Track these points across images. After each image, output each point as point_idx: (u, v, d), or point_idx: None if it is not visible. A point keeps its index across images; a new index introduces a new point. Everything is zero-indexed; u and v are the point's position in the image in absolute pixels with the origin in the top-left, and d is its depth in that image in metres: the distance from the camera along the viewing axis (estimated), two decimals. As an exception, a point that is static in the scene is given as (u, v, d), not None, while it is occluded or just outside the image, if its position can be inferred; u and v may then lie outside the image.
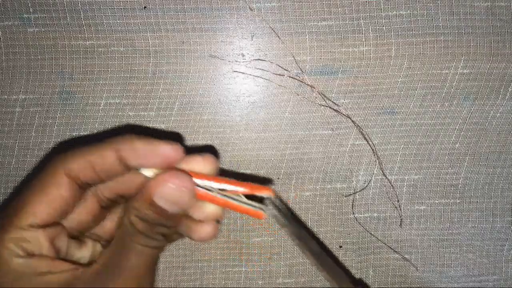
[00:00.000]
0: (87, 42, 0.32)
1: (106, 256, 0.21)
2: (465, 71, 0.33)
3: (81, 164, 0.21)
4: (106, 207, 0.24)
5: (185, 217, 0.22)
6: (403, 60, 0.32)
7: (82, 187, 0.22)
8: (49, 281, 0.20)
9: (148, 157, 0.21)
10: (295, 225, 0.22)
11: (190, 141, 0.33)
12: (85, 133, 0.33)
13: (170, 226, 0.21)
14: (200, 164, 0.22)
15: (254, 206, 0.21)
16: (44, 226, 0.21)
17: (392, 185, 0.34)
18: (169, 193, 0.21)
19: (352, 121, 0.33)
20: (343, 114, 0.33)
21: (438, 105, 0.33)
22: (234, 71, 0.32)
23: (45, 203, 0.21)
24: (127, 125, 0.33)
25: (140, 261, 0.21)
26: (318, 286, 0.34)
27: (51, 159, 0.21)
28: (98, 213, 0.24)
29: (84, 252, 0.23)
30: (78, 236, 0.24)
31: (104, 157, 0.21)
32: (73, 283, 0.20)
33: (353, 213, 0.34)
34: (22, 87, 0.32)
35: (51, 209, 0.21)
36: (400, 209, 0.34)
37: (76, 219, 0.23)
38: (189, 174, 0.21)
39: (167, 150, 0.21)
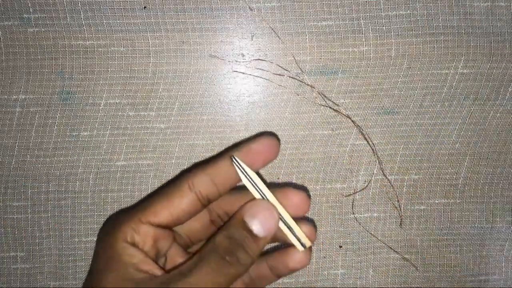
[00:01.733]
0: (87, 42, 0.32)
1: (182, 266, 0.23)
2: (465, 71, 0.33)
3: (201, 178, 0.24)
4: (215, 222, 0.27)
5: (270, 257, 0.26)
6: (403, 60, 0.32)
7: (203, 203, 0.24)
8: (132, 274, 0.22)
9: (253, 155, 0.24)
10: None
11: (190, 141, 0.33)
12: (85, 133, 0.33)
13: (251, 253, 0.23)
14: (296, 201, 0.25)
15: (300, 241, 0.25)
16: (157, 226, 0.24)
17: (392, 185, 0.34)
18: (259, 215, 0.23)
19: (352, 121, 0.33)
20: (343, 114, 0.33)
21: (438, 105, 0.33)
22: (234, 71, 0.32)
23: (166, 209, 0.24)
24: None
25: (203, 283, 0.22)
26: (318, 286, 0.34)
27: (180, 175, 0.25)
28: (208, 226, 0.27)
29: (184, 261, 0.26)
30: (188, 245, 0.27)
31: (220, 167, 0.24)
32: (146, 282, 0.22)
33: (353, 213, 0.34)
34: (22, 87, 0.32)
35: (170, 216, 0.24)
36: (400, 209, 0.34)
37: (189, 226, 0.26)
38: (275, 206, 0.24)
39: (266, 144, 0.24)
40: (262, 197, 0.24)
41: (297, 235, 0.25)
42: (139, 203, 0.25)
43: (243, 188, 0.25)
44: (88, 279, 0.24)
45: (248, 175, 0.24)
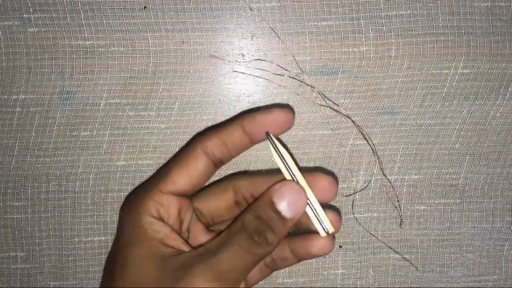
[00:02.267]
0: (87, 42, 0.32)
1: (209, 243, 0.23)
2: (465, 71, 0.33)
3: (214, 141, 0.24)
4: (239, 204, 0.27)
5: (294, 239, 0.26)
6: (403, 60, 0.32)
7: (216, 164, 0.25)
8: (159, 249, 0.22)
9: (267, 125, 0.24)
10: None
11: (190, 141, 0.33)
12: (85, 133, 0.33)
13: (279, 234, 0.23)
14: (324, 186, 0.25)
15: (323, 228, 0.25)
16: (179, 195, 0.24)
17: (392, 185, 0.34)
18: (288, 196, 0.23)
19: (352, 121, 0.33)
20: (343, 114, 0.33)
21: (438, 105, 0.33)
22: (234, 71, 0.32)
23: (185, 174, 0.24)
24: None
25: (231, 261, 0.22)
26: (318, 286, 0.34)
27: (193, 139, 0.25)
28: (232, 207, 0.27)
29: (207, 239, 0.26)
30: (210, 225, 0.27)
31: (232, 133, 0.24)
32: (174, 258, 0.22)
33: (353, 213, 0.34)
34: (22, 87, 0.32)
35: (188, 179, 0.24)
36: (400, 209, 0.34)
37: (214, 205, 0.27)
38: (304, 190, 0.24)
39: (280, 116, 0.24)
40: (292, 178, 0.24)
41: (322, 220, 0.24)
42: (155, 175, 0.25)
43: (271, 171, 0.25)
44: (111, 256, 0.24)
45: (281, 154, 0.24)
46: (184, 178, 0.24)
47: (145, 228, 0.23)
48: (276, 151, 0.24)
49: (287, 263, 0.27)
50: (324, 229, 0.24)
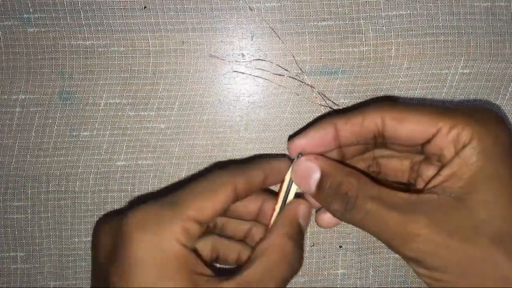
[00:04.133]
0: (87, 42, 0.32)
1: (248, 274, 0.23)
2: (465, 71, 0.33)
3: (243, 184, 0.25)
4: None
5: None
6: (403, 60, 0.32)
7: (235, 201, 0.25)
8: (195, 280, 0.22)
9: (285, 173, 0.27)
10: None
11: (190, 141, 0.33)
12: (85, 133, 0.33)
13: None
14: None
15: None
16: (203, 223, 0.23)
17: (392, 185, 0.34)
18: (306, 215, 0.26)
19: (352, 121, 0.33)
20: (343, 114, 0.33)
21: (438, 105, 0.33)
22: (234, 71, 0.32)
23: (211, 205, 0.23)
24: (127, 125, 0.33)
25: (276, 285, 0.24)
26: (318, 286, 0.34)
27: (221, 173, 0.25)
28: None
29: (232, 254, 0.28)
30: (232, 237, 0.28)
31: (256, 177, 0.26)
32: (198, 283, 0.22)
33: (353, 213, 0.34)
34: (22, 87, 0.32)
35: (214, 211, 0.24)
36: (400, 209, 0.34)
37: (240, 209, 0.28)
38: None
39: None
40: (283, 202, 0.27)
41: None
42: (170, 197, 0.24)
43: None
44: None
45: (289, 186, 0.27)
46: (210, 208, 0.23)
47: (170, 257, 0.21)
48: (288, 184, 0.27)
49: None
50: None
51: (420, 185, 0.27)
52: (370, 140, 0.25)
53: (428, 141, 0.23)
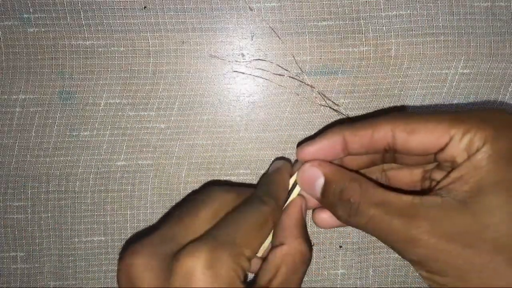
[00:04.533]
0: (87, 42, 0.32)
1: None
2: (465, 71, 0.33)
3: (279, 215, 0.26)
4: None
5: None
6: (403, 60, 0.32)
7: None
8: None
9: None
10: None
11: (190, 141, 0.33)
12: (85, 133, 0.33)
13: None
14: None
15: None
16: (250, 259, 0.23)
17: (392, 185, 0.34)
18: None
19: (352, 121, 0.33)
20: (343, 114, 0.33)
21: (438, 105, 0.33)
22: (234, 71, 0.32)
23: (259, 242, 0.24)
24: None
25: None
26: (318, 286, 0.34)
27: (262, 207, 0.25)
28: None
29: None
30: None
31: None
32: None
33: (353, 213, 0.34)
34: (22, 87, 0.32)
35: (259, 246, 0.24)
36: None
37: None
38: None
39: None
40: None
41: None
42: (223, 234, 0.23)
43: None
44: None
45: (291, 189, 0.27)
46: (257, 246, 0.24)
47: None
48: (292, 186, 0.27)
49: None
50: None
51: None
52: (380, 151, 0.25)
53: (441, 149, 0.23)
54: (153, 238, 0.23)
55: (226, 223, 0.24)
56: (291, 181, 0.27)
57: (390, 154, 0.25)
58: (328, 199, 0.25)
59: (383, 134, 0.24)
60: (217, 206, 0.25)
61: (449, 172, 0.22)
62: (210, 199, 0.26)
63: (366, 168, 0.28)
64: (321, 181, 0.25)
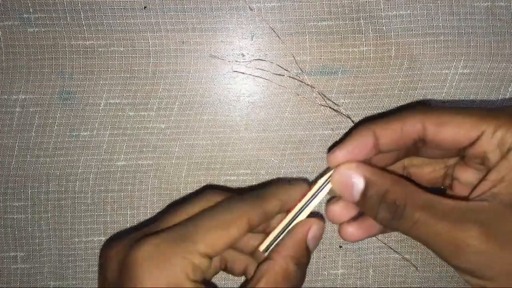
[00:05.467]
0: (87, 42, 0.32)
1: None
2: (465, 71, 0.33)
3: (260, 215, 0.25)
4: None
5: None
6: (403, 60, 0.32)
7: (250, 231, 0.25)
8: None
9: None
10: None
11: (190, 141, 0.33)
12: (85, 133, 0.33)
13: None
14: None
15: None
16: (213, 257, 0.23)
17: (392, 185, 0.34)
18: (318, 236, 0.26)
19: (352, 121, 0.33)
20: (343, 114, 0.33)
21: (438, 105, 0.33)
22: (234, 71, 0.32)
23: (224, 240, 0.23)
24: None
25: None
26: (318, 286, 0.34)
27: (235, 204, 0.24)
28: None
29: (239, 265, 0.28)
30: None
31: (274, 207, 0.25)
32: None
33: (353, 213, 0.34)
34: (22, 87, 0.32)
35: (225, 245, 0.23)
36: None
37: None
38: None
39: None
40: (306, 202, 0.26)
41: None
42: (182, 230, 0.23)
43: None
44: None
45: (314, 196, 0.26)
46: (222, 243, 0.23)
47: None
48: (320, 188, 0.26)
49: None
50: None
51: (457, 189, 0.26)
52: (410, 146, 0.24)
53: (471, 144, 0.22)
54: (130, 233, 0.24)
55: (192, 219, 0.24)
56: (317, 185, 0.26)
57: (419, 145, 0.24)
58: (368, 202, 0.24)
59: (414, 127, 0.23)
60: (204, 205, 0.25)
61: (486, 175, 0.22)
62: (197, 199, 0.25)
63: (391, 165, 0.27)
64: (360, 184, 0.24)
